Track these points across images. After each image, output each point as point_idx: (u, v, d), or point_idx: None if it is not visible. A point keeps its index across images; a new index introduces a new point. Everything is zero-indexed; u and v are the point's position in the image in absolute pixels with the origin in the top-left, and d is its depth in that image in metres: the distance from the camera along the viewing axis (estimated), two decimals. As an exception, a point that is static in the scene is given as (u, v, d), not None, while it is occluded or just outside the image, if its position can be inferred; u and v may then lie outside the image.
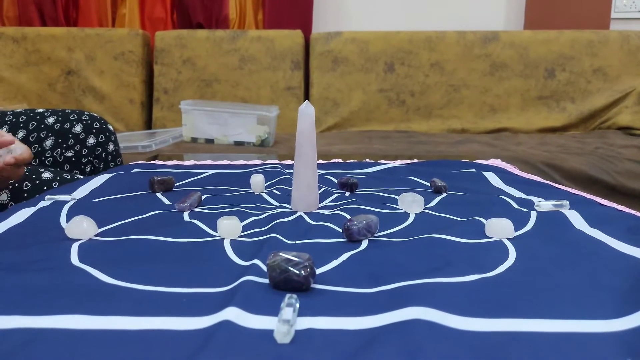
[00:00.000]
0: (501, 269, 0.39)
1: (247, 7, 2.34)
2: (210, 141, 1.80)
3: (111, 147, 1.02)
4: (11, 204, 0.69)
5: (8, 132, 0.94)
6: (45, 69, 2.21)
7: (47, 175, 0.80)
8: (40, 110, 1.00)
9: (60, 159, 0.95)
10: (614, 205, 0.59)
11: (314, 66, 2.24)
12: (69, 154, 0.94)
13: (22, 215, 0.53)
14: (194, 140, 1.81)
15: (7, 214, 0.53)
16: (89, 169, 0.99)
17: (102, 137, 1.00)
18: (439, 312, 0.31)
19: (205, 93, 2.21)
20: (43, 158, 0.94)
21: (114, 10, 2.38)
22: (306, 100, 0.59)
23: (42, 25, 2.31)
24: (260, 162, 0.92)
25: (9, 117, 0.97)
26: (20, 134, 0.95)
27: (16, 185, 0.75)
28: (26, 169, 0.78)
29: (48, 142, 0.90)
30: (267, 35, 2.23)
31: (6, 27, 2.29)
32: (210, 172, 0.81)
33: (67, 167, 0.97)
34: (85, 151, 0.97)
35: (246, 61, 2.22)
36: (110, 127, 1.03)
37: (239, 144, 1.78)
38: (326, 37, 2.24)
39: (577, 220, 0.52)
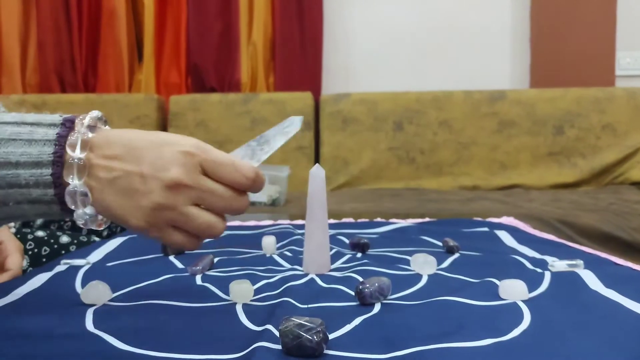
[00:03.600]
0: (516, 332, 0.38)
1: (258, 71, 2.44)
2: (222, 201, 1.82)
3: None
4: (30, 269, 0.70)
5: None
6: (65, 133, 2.29)
7: (64, 239, 0.81)
8: None
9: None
10: (629, 264, 0.58)
11: (324, 126, 2.29)
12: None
13: (38, 280, 0.53)
14: (207, 200, 1.83)
15: (25, 279, 0.54)
16: (106, 232, 1.00)
17: None
18: (454, 380, 0.30)
19: (218, 154, 2.26)
20: (62, 222, 0.96)
21: (131, 76, 2.49)
22: (317, 163, 0.61)
23: (62, 92, 2.42)
24: (271, 222, 0.93)
25: None
26: None
27: (35, 250, 0.76)
28: (44, 234, 0.80)
29: None
30: (278, 97, 2.31)
31: (28, 94, 2.41)
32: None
33: (84, 230, 0.98)
34: None
35: (258, 122, 2.28)
36: None
37: (250, 203, 1.80)
38: (335, 98, 2.31)
39: (591, 280, 0.51)
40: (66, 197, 0.39)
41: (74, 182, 0.38)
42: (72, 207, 0.39)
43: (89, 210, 0.39)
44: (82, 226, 0.40)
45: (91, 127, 0.40)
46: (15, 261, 0.60)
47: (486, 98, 2.24)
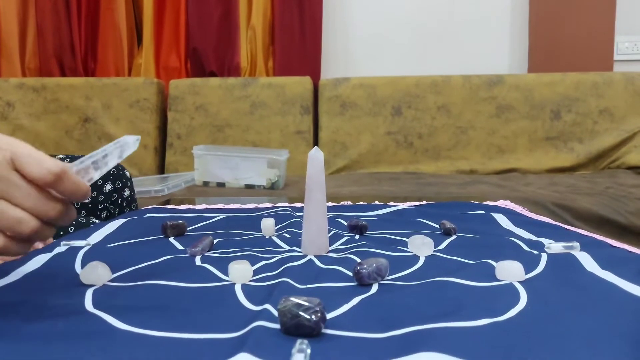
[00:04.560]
0: (512, 312, 0.39)
1: (257, 55, 2.42)
2: (221, 185, 1.83)
3: (127, 192, 1.04)
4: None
5: None
6: (63, 117, 2.28)
7: None
8: (60, 156, 1.02)
9: (76, 205, 0.97)
10: (625, 246, 0.58)
11: (323, 110, 2.29)
12: (86, 200, 0.96)
13: (38, 261, 0.54)
14: (206, 184, 1.84)
15: (24, 260, 0.54)
16: (104, 214, 1.00)
17: (118, 184, 1.02)
18: (451, 358, 0.30)
19: (217, 138, 2.26)
20: None
21: (131, 60, 2.47)
22: (315, 146, 0.61)
23: (61, 76, 2.40)
24: (270, 205, 0.94)
25: None
26: None
27: None
28: None
29: None
30: (277, 81, 2.30)
31: (27, 77, 2.39)
32: (221, 215, 0.82)
33: (83, 213, 0.99)
34: (101, 197, 0.99)
35: (257, 107, 2.27)
36: (127, 173, 1.06)
37: (249, 187, 1.80)
38: (334, 82, 2.29)
39: (588, 262, 0.52)
40: None
41: None
42: None
43: None
44: None
45: None
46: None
47: (484, 83, 2.23)
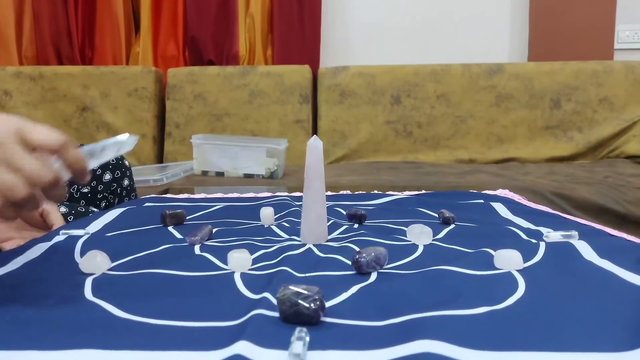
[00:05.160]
0: (511, 301, 0.39)
1: (256, 44, 2.41)
2: (220, 174, 1.82)
3: (126, 182, 1.04)
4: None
5: None
6: (60, 106, 2.27)
7: (62, 209, 0.81)
8: None
9: (76, 195, 0.97)
10: (623, 235, 0.59)
11: (322, 99, 2.28)
12: (85, 190, 0.96)
13: (37, 250, 0.54)
14: (205, 173, 1.83)
15: (23, 248, 0.54)
16: (104, 204, 1.00)
17: (117, 173, 1.02)
18: (449, 346, 0.31)
19: (215, 127, 2.25)
20: None
21: (128, 49, 2.45)
22: (314, 135, 0.60)
23: (58, 64, 2.39)
24: (269, 194, 0.93)
25: None
26: None
27: None
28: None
29: (65, 178, 0.92)
30: (276, 70, 2.29)
31: (24, 66, 2.37)
32: (220, 205, 0.82)
33: (82, 202, 0.98)
34: (100, 187, 0.99)
35: (256, 95, 2.26)
36: (127, 163, 1.05)
37: (248, 176, 1.80)
38: (333, 71, 2.28)
39: (586, 251, 0.52)
40: None
41: None
42: None
43: None
44: None
45: None
46: (58, 216, 0.63)
47: (484, 71, 2.22)
